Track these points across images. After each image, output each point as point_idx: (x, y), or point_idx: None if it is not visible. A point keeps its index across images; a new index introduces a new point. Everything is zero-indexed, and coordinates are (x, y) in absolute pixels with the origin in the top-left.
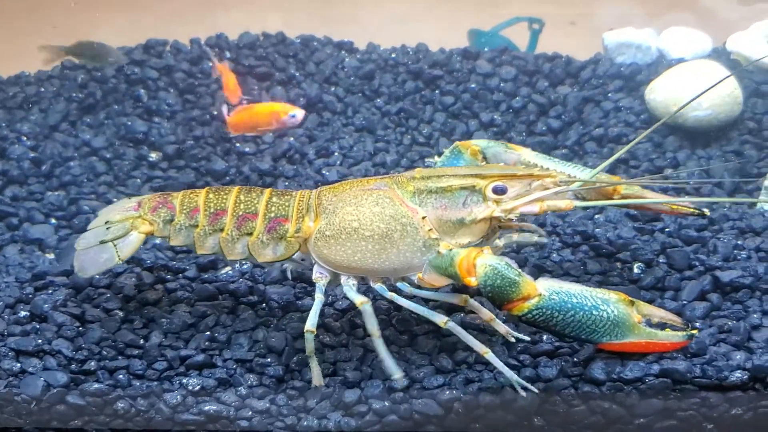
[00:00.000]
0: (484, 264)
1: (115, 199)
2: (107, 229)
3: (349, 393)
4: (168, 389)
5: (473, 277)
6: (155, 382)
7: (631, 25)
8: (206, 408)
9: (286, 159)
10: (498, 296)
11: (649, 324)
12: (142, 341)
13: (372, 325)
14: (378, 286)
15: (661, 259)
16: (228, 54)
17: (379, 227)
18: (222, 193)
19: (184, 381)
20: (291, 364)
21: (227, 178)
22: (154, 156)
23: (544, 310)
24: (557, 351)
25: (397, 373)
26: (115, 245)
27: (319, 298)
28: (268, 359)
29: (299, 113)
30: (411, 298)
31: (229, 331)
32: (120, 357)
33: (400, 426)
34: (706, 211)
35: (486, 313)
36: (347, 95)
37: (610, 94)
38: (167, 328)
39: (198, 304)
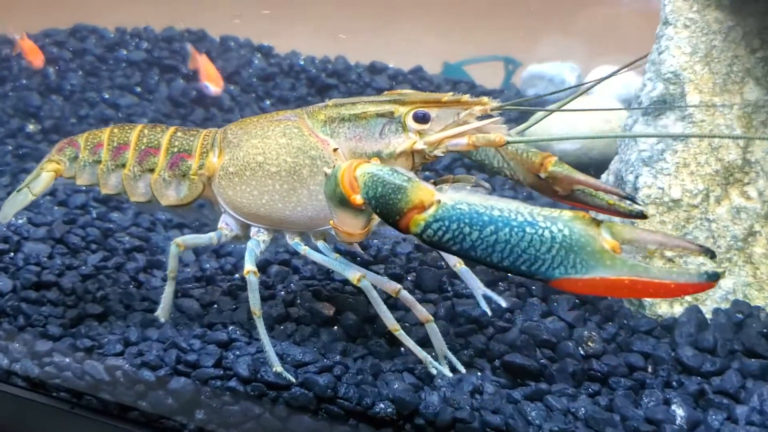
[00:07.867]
0: (363, 173)
1: None
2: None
3: (42, 343)
4: None
5: (357, 193)
6: None
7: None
8: None
9: None
10: (385, 209)
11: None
12: None
13: (254, 300)
14: (294, 243)
15: (410, 277)
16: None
17: (285, 161)
18: (127, 128)
19: None
20: (7, 308)
21: None
22: (32, 127)
23: (446, 223)
24: (232, 342)
25: (276, 366)
26: (29, 188)
27: (212, 238)
28: None
29: None
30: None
31: None
32: None
33: (73, 383)
34: (647, 211)
35: (421, 312)
36: (241, 94)
37: None
38: None
39: None
